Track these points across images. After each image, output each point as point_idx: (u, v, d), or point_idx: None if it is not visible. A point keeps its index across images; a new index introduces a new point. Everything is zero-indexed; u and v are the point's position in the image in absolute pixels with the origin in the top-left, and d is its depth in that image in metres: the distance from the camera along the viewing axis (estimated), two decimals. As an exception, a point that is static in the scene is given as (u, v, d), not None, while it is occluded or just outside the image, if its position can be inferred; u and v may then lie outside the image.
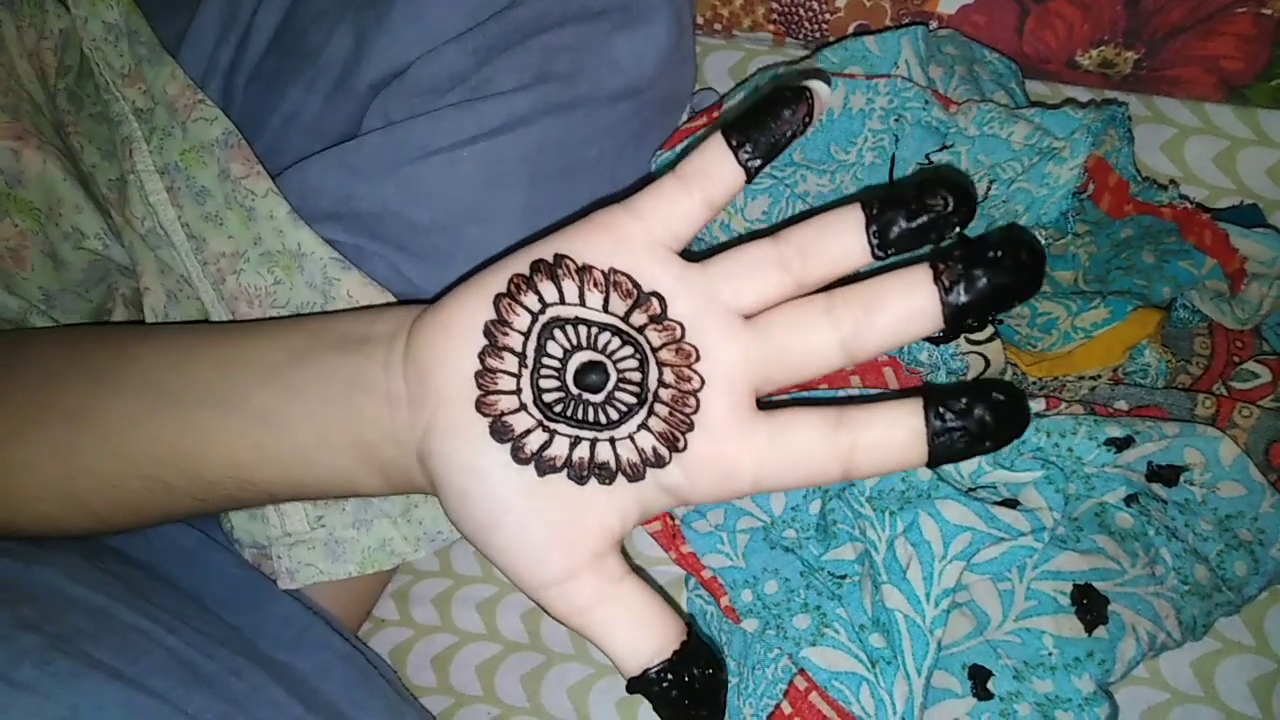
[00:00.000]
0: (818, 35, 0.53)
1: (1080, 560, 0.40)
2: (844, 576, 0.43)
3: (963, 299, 0.26)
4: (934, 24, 0.50)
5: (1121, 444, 0.40)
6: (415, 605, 0.55)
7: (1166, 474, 0.41)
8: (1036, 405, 0.41)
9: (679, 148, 0.46)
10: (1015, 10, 0.49)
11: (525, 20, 0.43)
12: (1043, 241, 0.41)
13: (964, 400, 0.26)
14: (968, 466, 0.41)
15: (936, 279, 0.26)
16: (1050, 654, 0.39)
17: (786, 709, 0.42)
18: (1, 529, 0.36)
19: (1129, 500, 0.41)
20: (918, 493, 0.42)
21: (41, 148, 0.44)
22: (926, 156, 0.42)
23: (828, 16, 0.52)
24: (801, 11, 0.52)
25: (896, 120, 0.43)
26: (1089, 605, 0.39)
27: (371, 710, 0.43)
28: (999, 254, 0.25)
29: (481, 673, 0.53)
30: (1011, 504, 0.40)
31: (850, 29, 0.52)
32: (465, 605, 0.54)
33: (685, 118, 0.49)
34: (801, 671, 0.42)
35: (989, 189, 0.41)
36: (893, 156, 0.43)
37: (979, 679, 0.40)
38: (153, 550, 0.45)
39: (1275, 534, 0.41)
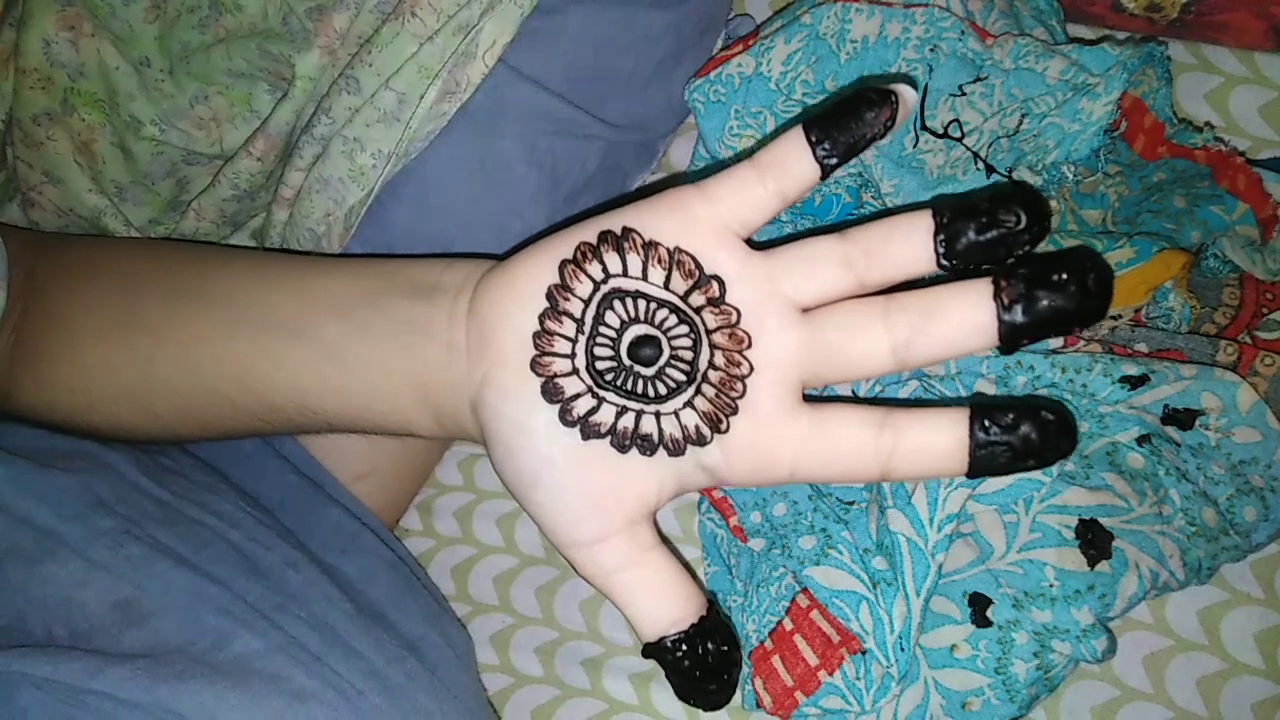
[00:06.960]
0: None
1: (1088, 496, 0.40)
2: (852, 503, 0.43)
3: (1020, 319, 0.25)
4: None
5: (1137, 382, 0.40)
6: (438, 517, 0.57)
7: (1182, 417, 0.41)
8: (1054, 341, 0.41)
9: (713, 75, 0.47)
10: (1063, -52, 0.48)
11: None
12: (1072, 178, 0.41)
13: (1011, 416, 0.26)
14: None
15: (996, 295, 0.25)
16: (1051, 585, 0.40)
17: (788, 625, 0.43)
18: (75, 425, 0.39)
19: (1141, 440, 0.41)
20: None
21: (95, 34, 0.45)
22: (960, 88, 0.42)
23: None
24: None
25: (931, 50, 0.43)
26: (1093, 540, 0.40)
27: (413, 617, 0.45)
28: (1063, 277, 0.25)
29: (499, 584, 0.55)
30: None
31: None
32: (486, 519, 0.56)
33: (720, 44, 0.50)
34: (804, 590, 0.43)
35: (1021, 122, 0.41)
36: (925, 86, 0.43)
37: (978, 606, 0.41)
38: (211, 449, 0.47)
39: (1288, 481, 0.40)
